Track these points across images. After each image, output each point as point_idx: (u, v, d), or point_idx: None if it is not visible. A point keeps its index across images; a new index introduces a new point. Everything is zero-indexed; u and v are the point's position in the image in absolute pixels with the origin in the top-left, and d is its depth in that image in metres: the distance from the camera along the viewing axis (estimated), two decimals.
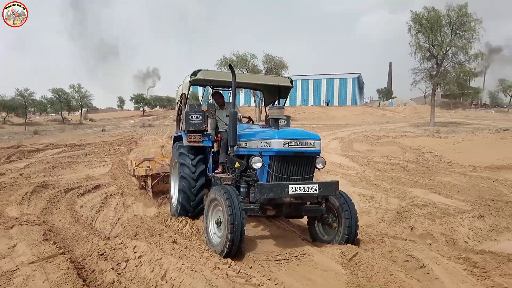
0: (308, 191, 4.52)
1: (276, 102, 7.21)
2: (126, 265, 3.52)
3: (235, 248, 4.21)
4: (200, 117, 6.01)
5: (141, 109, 67.49)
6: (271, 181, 4.63)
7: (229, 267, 3.67)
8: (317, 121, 39.96)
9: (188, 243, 4.45)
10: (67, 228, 5.55)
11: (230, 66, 5.52)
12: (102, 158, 15.00)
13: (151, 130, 34.61)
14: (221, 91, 6.97)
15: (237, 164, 5.19)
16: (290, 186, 4.45)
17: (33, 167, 12.36)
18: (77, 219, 6.22)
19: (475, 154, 13.40)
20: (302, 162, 4.78)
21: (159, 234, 4.89)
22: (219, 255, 4.17)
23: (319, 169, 5.07)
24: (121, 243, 4.04)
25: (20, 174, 10.80)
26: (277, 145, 4.58)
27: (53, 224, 5.94)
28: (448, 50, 25.50)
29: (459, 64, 25.76)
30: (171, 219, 6.04)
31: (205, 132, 6.10)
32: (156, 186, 8.07)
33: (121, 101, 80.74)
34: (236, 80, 5.48)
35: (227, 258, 4.06)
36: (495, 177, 10.27)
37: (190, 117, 5.97)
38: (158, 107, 75.38)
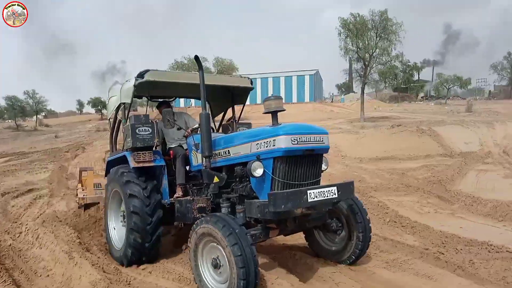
0: (328, 196, 3.78)
1: (230, 110, 6.32)
2: (19, 235, 5.58)
3: None
4: (150, 130, 5.00)
5: (100, 113, 67.82)
6: (278, 190, 3.80)
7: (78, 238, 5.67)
8: (267, 120, 41.88)
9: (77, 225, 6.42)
10: None
11: (197, 58, 4.53)
12: (45, 165, 16.47)
13: (105, 135, 35.74)
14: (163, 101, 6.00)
15: (215, 179, 4.35)
16: (308, 192, 3.66)
17: None
18: (5, 215, 7.95)
19: (369, 148, 15.88)
20: (310, 162, 4.02)
21: (60, 221, 6.77)
22: None
23: (322, 170, 4.28)
24: (21, 223, 6.06)
25: None
26: (284, 142, 3.71)
27: None
28: (373, 52, 28.37)
29: (383, 65, 28.73)
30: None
31: (154, 149, 5.12)
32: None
33: (80, 104, 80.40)
34: (180, 82, 5.11)
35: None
36: (369, 167, 12.68)
37: (137, 130, 4.90)
38: None
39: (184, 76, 5.25)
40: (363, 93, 30.77)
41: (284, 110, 4.07)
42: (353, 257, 4.34)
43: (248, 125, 6.02)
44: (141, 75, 4.85)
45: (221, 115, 6.76)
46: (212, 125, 5.54)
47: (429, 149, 14.89)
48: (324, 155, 4.20)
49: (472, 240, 5.08)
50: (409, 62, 63.17)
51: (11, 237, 5.56)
